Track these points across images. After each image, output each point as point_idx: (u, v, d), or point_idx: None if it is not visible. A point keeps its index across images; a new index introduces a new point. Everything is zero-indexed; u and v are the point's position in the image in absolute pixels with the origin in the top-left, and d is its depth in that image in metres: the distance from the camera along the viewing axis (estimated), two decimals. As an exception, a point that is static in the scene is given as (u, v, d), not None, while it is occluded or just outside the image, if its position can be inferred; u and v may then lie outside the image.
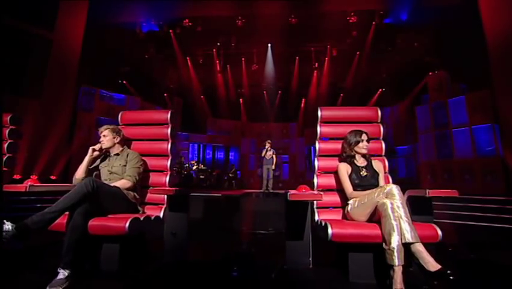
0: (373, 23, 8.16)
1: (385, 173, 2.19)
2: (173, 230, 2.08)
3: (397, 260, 1.44)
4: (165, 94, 10.39)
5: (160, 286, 1.71)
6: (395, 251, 1.45)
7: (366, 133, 2.07)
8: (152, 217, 2.03)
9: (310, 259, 1.95)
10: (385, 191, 1.63)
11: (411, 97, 8.87)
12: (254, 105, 12.56)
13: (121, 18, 7.18)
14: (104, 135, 2.21)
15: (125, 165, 2.17)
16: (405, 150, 9.34)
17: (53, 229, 1.67)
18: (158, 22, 7.89)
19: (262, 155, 7.25)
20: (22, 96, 5.41)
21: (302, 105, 12.63)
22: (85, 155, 2.16)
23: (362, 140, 2.04)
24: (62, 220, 1.68)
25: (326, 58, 11.20)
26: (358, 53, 10.48)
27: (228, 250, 2.45)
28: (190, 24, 7.95)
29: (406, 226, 1.48)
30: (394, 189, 1.61)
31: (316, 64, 11.50)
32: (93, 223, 1.71)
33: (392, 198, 1.58)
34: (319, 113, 2.29)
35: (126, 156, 2.21)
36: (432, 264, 1.39)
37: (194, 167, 10.03)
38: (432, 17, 7.01)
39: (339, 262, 1.87)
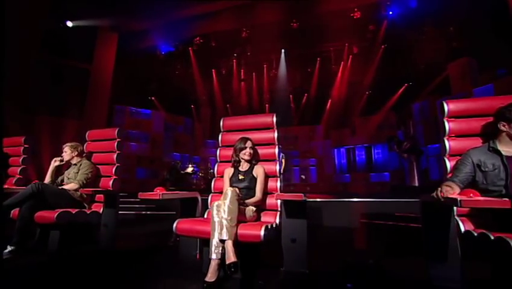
0: (384, 15, 7.64)
1: (278, 176, 2.35)
2: (105, 223, 2.63)
3: (213, 254, 1.67)
4: (192, 106, 11.48)
5: (77, 265, 2.27)
6: (213, 246, 1.68)
7: (251, 140, 2.28)
8: (89, 212, 2.63)
9: (197, 252, 2.26)
10: (224, 192, 1.87)
11: (429, 90, 7.94)
12: (279, 110, 12.76)
13: (143, 44, 8.45)
14: (65, 151, 2.93)
15: (77, 173, 2.83)
16: (437, 149, 8.31)
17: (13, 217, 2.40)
18: (173, 43, 8.99)
19: None
20: (65, 118, 6.94)
21: (328, 106, 12.32)
22: None
23: (246, 147, 2.25)
24: (16, 212, 2.39)
25: (350, 56, 10.81)
26: (382, 47, 9.88)
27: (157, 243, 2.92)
28: (202, 41, 8.80)
29: (223, 226, 1.69)
30: (228, 192, 1.82)
31: (341, 63, 11.17)
32: (37, 214, 2.38)
33: (223, 200, 1.80)
34: (221, 123, 2.59)
35: (80, 165, 2.88)
36: (229, 258, 1.60)
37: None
38: None
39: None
